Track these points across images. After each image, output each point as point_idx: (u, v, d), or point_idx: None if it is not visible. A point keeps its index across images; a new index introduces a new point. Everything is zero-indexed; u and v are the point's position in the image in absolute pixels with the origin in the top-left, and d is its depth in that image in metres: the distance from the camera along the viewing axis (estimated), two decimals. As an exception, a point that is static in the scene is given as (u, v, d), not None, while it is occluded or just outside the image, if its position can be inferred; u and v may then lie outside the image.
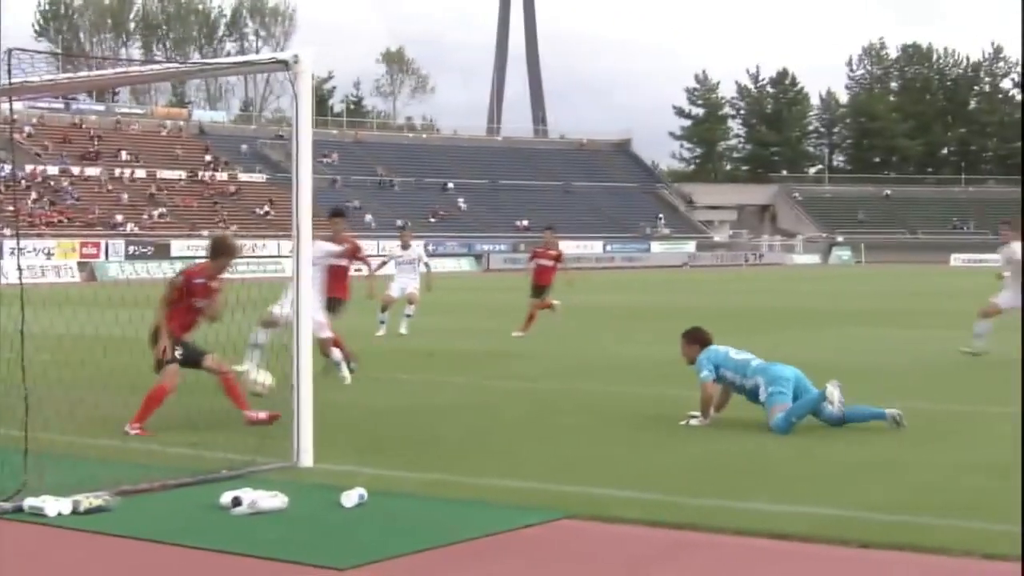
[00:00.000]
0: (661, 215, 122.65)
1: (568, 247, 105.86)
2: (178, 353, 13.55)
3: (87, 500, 9.39)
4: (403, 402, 15.96)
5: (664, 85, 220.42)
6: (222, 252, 13.99)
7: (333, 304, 18.74)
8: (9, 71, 11.40)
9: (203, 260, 14.27)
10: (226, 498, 9.47)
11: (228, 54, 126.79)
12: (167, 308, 13.64)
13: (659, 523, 9.06)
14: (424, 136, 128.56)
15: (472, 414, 14.97)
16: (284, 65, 11.48)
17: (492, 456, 12.02)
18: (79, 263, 73.14)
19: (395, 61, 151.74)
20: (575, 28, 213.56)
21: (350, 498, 9.60)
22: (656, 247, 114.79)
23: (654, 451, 12.28)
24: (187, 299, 13.68)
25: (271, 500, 9.43)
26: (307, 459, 11.22)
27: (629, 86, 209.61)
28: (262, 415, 13.50)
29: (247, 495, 9.44)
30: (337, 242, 19.01)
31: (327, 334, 17.44)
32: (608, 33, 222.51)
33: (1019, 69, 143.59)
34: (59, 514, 9.21)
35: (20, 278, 10.76)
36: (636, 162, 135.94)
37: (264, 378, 15.07)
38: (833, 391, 13.11)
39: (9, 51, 12.13)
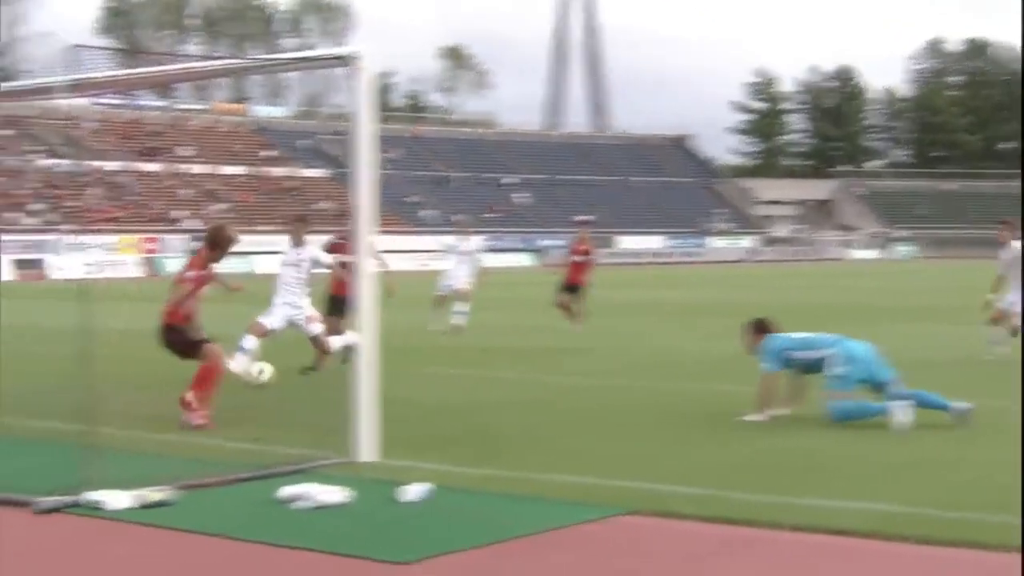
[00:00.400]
0: (719, 210, 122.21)
1: (627, 242, 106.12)
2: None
3: (149, 494, 9.48)
4: (461, 398, 15.99)
5: (722, 80, 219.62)
6: (218, 243, 14.17)
7: (339, 303, 18.30)
8: (71, 68, 11.53)
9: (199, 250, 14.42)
10: (287, 492, 9.54)
11: (287, 51, 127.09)
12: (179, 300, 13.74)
13: (717, 519, 9.07)
14: (482, 131, 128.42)
15: (529, 410, 14.99)
16: (343, 61, 11.53)
17: (550, 452, 12.02)
18: (141, 258, 73.24)
19: (454, 57, 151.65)
20: (633, 22, 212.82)
21: (410, 493, 9.64)
22: (714, 243, 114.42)
23: (711, 447, 12.27)
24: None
25: (332, 495, 9.47)
26: (367, 454, 11.27)
27: (686, 81, 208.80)
28: (200, 420, 13.47)
29: (308, 490, 9.49)
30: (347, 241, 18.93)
31: (317, 328, 17.50)
32: (666, 27, 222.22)
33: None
34: (121, 508, 9.30)
35: (83, 274, 10.83)
36: (693, 157, 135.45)
37: (261, 369, 15.39)
38: (902, 419, 12.95)
39: (72, 47, 12.25)
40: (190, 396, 13.49)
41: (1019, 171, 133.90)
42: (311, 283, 17.69)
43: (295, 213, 21.08)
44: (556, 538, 8.69)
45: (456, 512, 9.38)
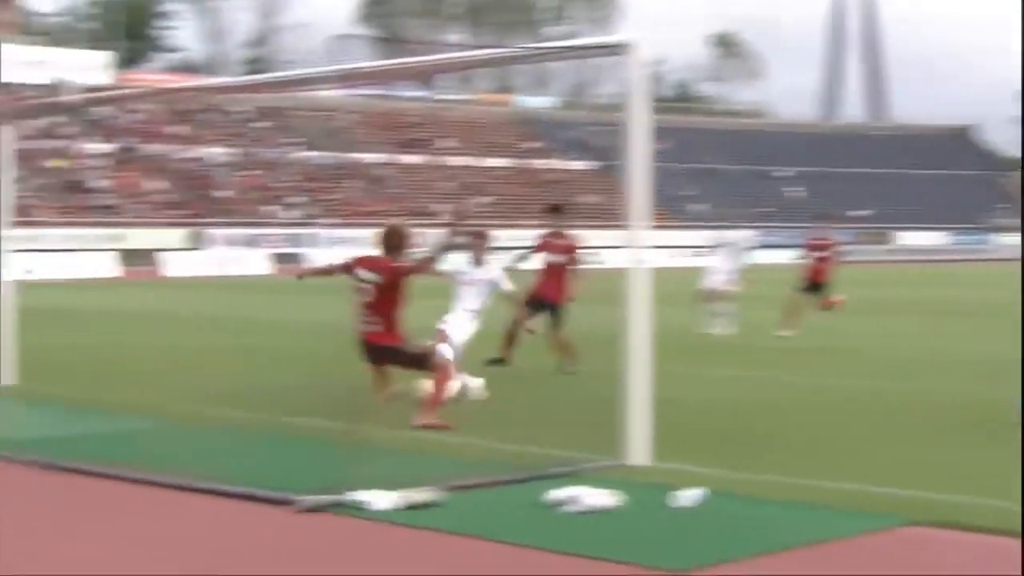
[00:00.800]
0: (1003, 205, 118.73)
1: (906, 239, 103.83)
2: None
3: (414, 495, 9.36)
4: (733, 399, 15.66)
5: (1006, 67, 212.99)
6: (396, 245, 13.53)
7: (538, 304, 18.08)
8: (333, 58, 11.51)
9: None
10: (557, 495, 9.32)
11: (551, 39, 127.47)
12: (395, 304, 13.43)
13: (1009, 532, 8.54)
14: (754, 122, 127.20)
15: (805, 413, 14.62)
16: (616, 49, 11.30)
17: (824, 456, 11.66)
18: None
19: (725, 44, 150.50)
20: (915, 5, 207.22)
21: (684, 498, 9.36)
22: (999, 239, 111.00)
23: (997, 454, 11.65)
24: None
25: (602, 498, 9.23)
26: (639, 457, 11.00)
27: (968, 68, 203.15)
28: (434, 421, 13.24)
29: (578, 493, 9.27)
30: (556, 238, 18.47)
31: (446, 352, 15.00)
32: (945, 9, 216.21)
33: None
34: (386, 508, 9.20)
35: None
36: (975, 149, 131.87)
37: (474, 384, 14.77)
38: None
39: (336, 38, 12.23)
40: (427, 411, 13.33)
41: None
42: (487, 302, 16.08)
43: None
44: (834, 549, 8.32)
45: (730, 519, 9.07)
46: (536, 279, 18.40)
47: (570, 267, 18.34)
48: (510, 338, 17.84)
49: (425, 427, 12.94)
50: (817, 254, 26.34)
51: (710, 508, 9.29)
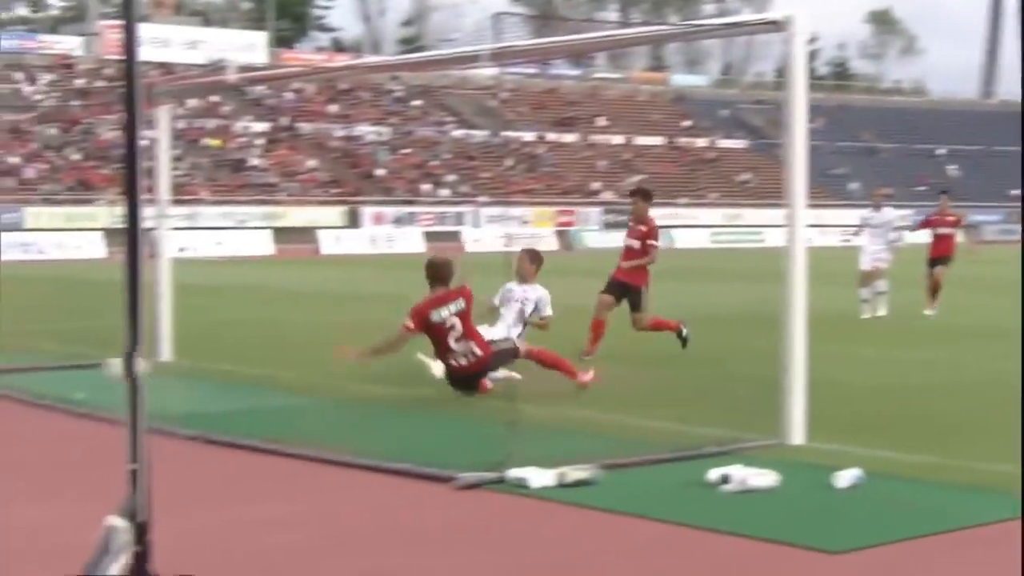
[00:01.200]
0: None
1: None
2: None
3: (572, 473, 9.36)
4: (891, 380, 15.47)
5: None
6: (440, 278, 13.53)
7: (617, 289, 17.51)
8: (490, 36, 11.53)
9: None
10: (714, 475, 9.28)
11: (706, 17, 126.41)
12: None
13: None
14: (913, 100, 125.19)
15: (961, 394, 14.39)
16: (777, 26, 11.20)
17: (988, 439, 11.45)
18: (556, 231, 73.10)
19: (882, 21, 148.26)
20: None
21: (843, 479, 9.26)
22: None
23: None
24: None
25: (761, 478, 9.18)
26: (797, 437, 10.93)
27: None
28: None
29: (736, 472, 9.23)
30: (638, 222, 18.06)
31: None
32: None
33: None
34: (543, 486, 9.22)
35: (500, 247, 10.77)
36: None
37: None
38: None
39: (494, 16, 12.27)
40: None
41: None
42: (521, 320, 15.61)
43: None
44: (995, 533, 8.20)
45: (891, 500, 8.97)
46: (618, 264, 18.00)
47: (645, 251, 17.79)
48: (663, 324, 17.57)
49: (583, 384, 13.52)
50: (941, 230, 25.71)
51: (868, 489, 9.19)
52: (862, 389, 14.59)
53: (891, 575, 7.44)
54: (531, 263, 15.74)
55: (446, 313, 13.36)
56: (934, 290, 24.90)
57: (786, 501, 8.95)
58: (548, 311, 15.43)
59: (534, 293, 15.47)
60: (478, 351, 13.35)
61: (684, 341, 17.29)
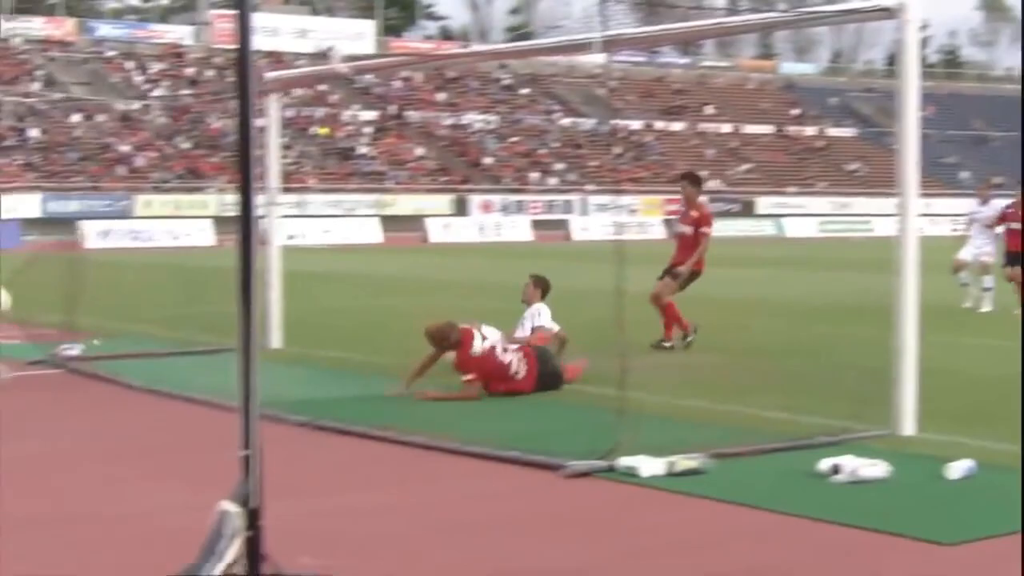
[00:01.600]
0: None
1: None
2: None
3: (681, 462, 9.34)
4: (1003, 371, 15.20)
5: None
6: (443, 344, 13.29)
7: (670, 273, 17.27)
8: (599, 24, 11.50)
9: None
10: (825, 465, 9.21)
11: (815, 4, 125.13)
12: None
13: None
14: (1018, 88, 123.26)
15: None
16: (889, 13, 11.07)
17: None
18: (664, 220, 72.27)
19: (994, 8, 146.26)
20: None
21: (955, 470, 9.18)
22: None
23: None
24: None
25: (871, 469, 9.11)
26: (908, 427, 10.84)
27: None
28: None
29: (847, 462, 9.14)
30: (689, 208, 17.76)
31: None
32: None
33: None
34: (653, 475, 9.20)
35: (609, 235, 10.76)
36: None
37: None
38: None
39: (602, 3, 12.24)
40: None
41: None
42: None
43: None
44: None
45: (1002, 492, 8.82)
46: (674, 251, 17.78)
47: (697, 238, 17.42)
48: (676, 318, 17.24)
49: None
50: (1014, 225, 24.39)
51: (980, 481, 9.11)
52: (974, 379, 14.43)
53: (1002, 568, 7.33)
54: (535, 287, 15.82)
55: (488, 332, 13.45)
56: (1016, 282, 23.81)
57: (897, 492, 8.87)
58: (551, 325, 15.46)
59: (535, 310, 15.60)
60: (526, 368, 13.25)
61: (687, 344, 17.06)
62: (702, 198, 18.08)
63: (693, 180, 18.10)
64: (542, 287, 15.82)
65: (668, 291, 16.98)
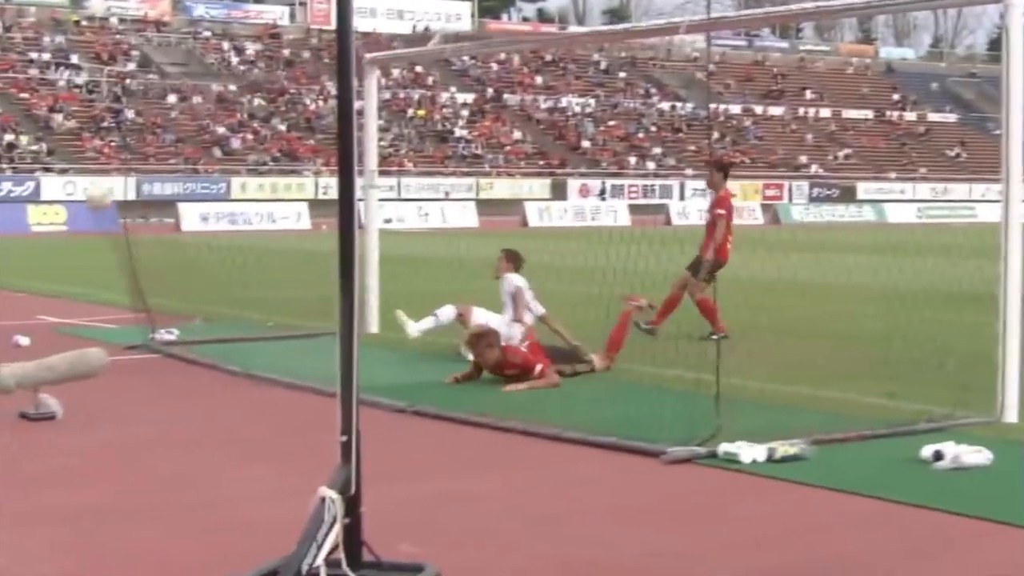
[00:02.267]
0: None
1: None
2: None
3: (782, 448, 9.30)
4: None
5: None
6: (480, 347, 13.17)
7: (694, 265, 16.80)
8: (696, 7, 11.43)
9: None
10: (927, 451, 9.14)
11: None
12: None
13: None
14: None
15: None
16: (995, -2, 10.95)
17: None
18: (762, 205, 71.90)
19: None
20: None
21: (1058, 458, 9.06)
22: None
23: None
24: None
25: (974, 456, 9.03)
26: (1011, 415, 10.74)
27: None
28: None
29: (949, 449, 9.08)
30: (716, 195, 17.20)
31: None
32: None
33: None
34: (753, 461, 9.18)
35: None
36: None
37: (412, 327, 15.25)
38: None
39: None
40: None
41: None
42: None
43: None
44: None
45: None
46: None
47: (713, 221, 16.82)
48: (712, 311, 16.81)
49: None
50: None
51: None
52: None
53: (1106, 558, 7.26)
54: (508, 261, 15.54)
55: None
56: None
57: (999, 479, 8.80)
58: (535, 304, 15.34)
59: (508, 285, 15.30)
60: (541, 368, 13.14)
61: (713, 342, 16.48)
62: (730, 184, 17.57)
63: (719, 166, 17.69)
64: (515, 261, 15.59)
65: (698, 289, 16.63)
